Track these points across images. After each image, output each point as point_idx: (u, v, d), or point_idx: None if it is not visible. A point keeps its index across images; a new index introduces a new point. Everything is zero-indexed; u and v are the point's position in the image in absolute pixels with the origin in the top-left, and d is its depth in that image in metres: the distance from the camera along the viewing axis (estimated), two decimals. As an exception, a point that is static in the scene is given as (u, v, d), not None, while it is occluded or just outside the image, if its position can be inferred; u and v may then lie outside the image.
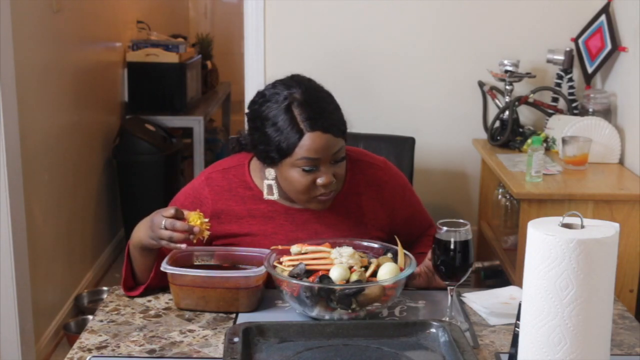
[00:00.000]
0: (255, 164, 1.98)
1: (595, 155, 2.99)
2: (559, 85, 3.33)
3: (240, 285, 1.75)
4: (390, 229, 2.02)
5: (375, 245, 1.86)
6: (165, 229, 1.74)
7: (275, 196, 1.93)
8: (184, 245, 1.75)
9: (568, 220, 1.33)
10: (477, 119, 3.45)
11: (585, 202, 2.68)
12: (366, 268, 1.74)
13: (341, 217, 1.97)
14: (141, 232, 1.81)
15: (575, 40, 3.34)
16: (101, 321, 1.75)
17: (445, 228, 1.68)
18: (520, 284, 1.71)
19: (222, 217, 1.94)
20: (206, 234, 1.77)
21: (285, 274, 1.73)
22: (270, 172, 1.91)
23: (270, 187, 1.92)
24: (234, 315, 1.77)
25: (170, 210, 1.75)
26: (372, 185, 2.00)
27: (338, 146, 1.84)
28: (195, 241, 1.77)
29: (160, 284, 1.87)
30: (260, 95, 1.90)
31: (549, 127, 3.21)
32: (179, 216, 1.76)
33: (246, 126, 1.96)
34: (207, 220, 1.78)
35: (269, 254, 1.79)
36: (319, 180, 1.83)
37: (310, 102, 1.83)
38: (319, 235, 1.94)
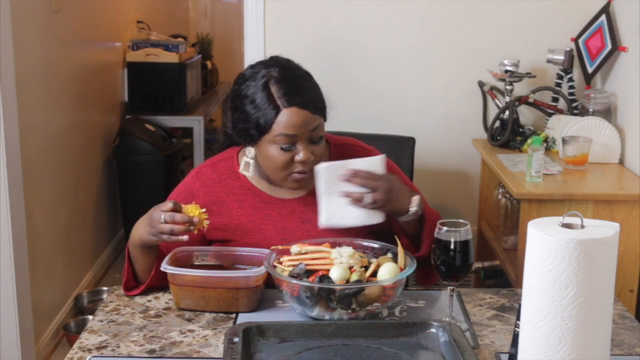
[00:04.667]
0: (243, 154, 2.00)
1: (595, 155, 2.99)
2: (559, 85, 3.33)
3: (240, 285, 1.75)
4: None
5: (375, 245, 1.86)
6: (165, 222, 1.74)
7: (250, 174, 1.96)
8: (185, 237, 1.76)
9: (568, 220, 1.33)
10: (477, 119, 3.46)
11: (585, 202, 2.68)
12: (366, 268, 1.74)
13: None
14: (140, 230, 1.82)
15: (575, 40, 3.34)
16: (101, 321, 1.75)
17: (445, 228, 1.68)
18: (520, 284, 1.72)
19: (213, 208, 1.95)
20: (205, 223, 1.78)
21: (285, 274, 1.73)
22: (250, 151, 1.95)
23: (247, 164, 1.96)
24: (234, 315, 1.77)
25: (168, 204, 1.76)
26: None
27: (315, 123, 1.86)
28: (196, 232, 1.78)
29: (161, 284, 1.87)
30: (240, 76, 1.94)
31: (549, 127, 3.21)
32: (177, 209, 1.76)
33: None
34: (204, 210, 1.78)
35: (269, 254, 1.80)
36: (297, 157, 1.85)
37: (287, 79, 1.86)
38: (306, 223, 1.95)
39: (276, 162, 1.86)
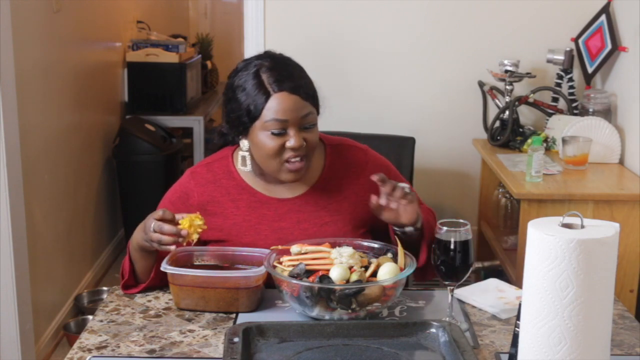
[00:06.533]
0: (238, 154, 1.99)
1: (595, 155, 2.99)
2: (559, 85, 3.33)
3: (240, 285, 1.75)
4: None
5: (375, 245, 1.86)
6: (154, 232, 1.75)
7: (247, 168, 1.95)
8: (173, 247, 1.77)
9: (568, 220, 1.32)
10: (477, 119, 3.46)
11: (585, 202, 2.69)
12: (366, 268, 1.74)
13: (323, 202, 1.97)
14: (138, 235, 1.84)
15: (575, 40, 3.34)
16: (101, 321, 1.75)
17: (445, 228, 1.68)
18: (520, 284, 1.72)
19: (208, 208, 1.95)
20: (195, 237, 1.78)
21: (285, 274, 1.73)
22: (244, 144, 1.93)
23: (244, 158, 1.95)
24: (234, 315, 1.77)
25: (158, 213, 1.77)
26: (352, 167, 2.00)
27: (306, 110, 1.86)
28: (185, 244, 1.78)
29: (161, 284, 1.88)
30: (233, 70, 1.95)
31: (549, 127, 3.22)
32: (167, 218, 1.77)
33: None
34: (200, 223, 1.78)
35: (269, 254, 1.79)
36: (288, 144, 1.85)
37: (278, 67, 1.88)
38: (302, 223, 1.95)
39: (267, 150, 1.86)
